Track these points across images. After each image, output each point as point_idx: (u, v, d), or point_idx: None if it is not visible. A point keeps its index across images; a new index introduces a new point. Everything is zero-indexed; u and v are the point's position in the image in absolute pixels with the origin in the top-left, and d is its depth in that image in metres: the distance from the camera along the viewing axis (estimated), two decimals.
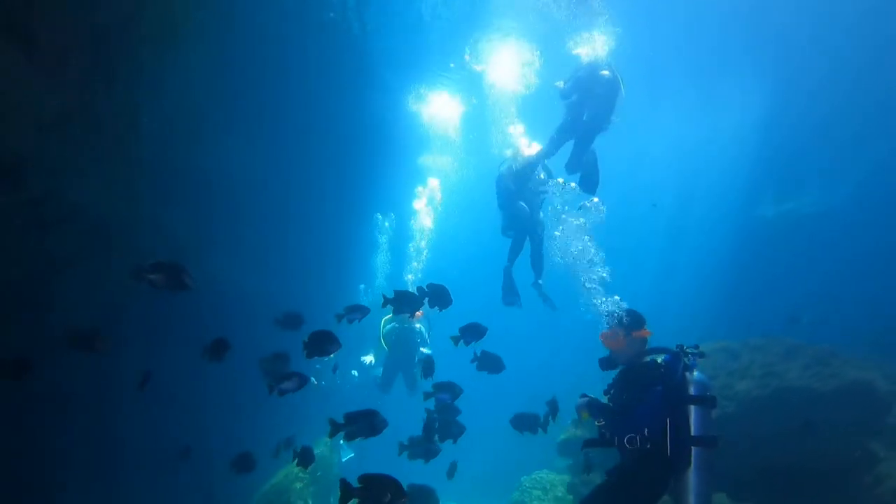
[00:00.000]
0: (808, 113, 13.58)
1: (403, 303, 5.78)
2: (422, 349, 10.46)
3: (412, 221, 16.95)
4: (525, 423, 5.94)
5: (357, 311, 6.01)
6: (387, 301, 5.79)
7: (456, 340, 5.71)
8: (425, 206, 17.24)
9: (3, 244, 4.26)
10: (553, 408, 5.88)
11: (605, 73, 8.28)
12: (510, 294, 8.99)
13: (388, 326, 10.70)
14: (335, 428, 4.67)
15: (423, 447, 5.96)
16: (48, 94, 4.13)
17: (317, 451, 10.25)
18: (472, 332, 5.67)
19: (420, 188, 17.19)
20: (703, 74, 15.74)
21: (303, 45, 8.00)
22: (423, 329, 10.65)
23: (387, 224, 15.42)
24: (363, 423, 4.73)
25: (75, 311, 5.51)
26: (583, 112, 8.50)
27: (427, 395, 6.18)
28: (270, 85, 7.72)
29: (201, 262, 6.30)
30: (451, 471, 6.45)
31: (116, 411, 6.44)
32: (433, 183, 17.22)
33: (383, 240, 15.55)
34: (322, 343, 5.01)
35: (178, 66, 6.04)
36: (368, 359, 12.03)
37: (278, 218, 9.06)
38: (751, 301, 13.21)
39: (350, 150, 10.25)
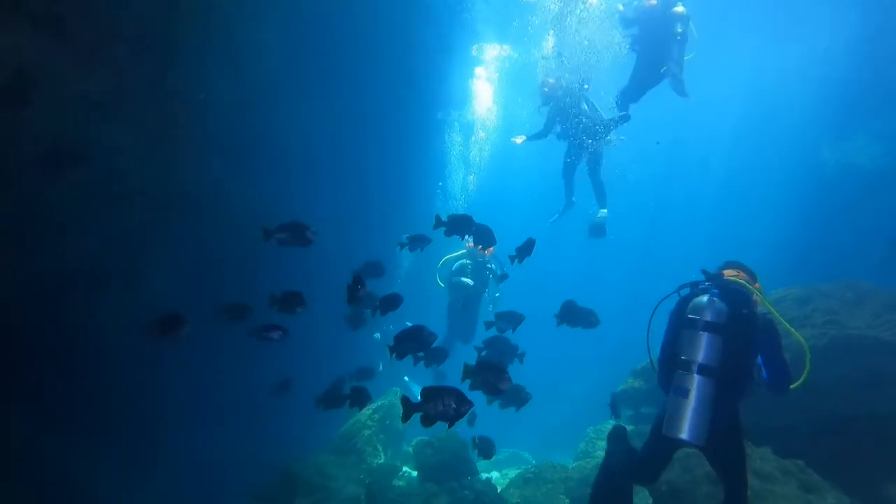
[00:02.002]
0: None
1: (457, 226, 5.72)
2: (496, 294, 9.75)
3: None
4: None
5: (420, 241, 6.20)
6: (439, 223, 5.68)
7: (512, 259, 5.71)
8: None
9: (78, 220, 4.82)
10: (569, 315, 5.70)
11: (680, 9, 7.68)
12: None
13: (457, 263, 9.72)
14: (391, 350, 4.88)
15: (514, 396, 5.85)
16: (86, 78, 4.47)
17: (386, 401, 10.85)
18: (524, 250, 5.63)
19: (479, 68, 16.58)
20: None
21: None
22: (494, 267, 9.67)
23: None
24: (412, 342, 4.89)
25: (161, 277, 6.24)
26: (647, 50, 8.02)
27: (488, 325, 6.22)
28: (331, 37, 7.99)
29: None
30: (472, 419, 6.43)
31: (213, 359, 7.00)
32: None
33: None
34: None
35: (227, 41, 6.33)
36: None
37: (350, 161, 9.34)
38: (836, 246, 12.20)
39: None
